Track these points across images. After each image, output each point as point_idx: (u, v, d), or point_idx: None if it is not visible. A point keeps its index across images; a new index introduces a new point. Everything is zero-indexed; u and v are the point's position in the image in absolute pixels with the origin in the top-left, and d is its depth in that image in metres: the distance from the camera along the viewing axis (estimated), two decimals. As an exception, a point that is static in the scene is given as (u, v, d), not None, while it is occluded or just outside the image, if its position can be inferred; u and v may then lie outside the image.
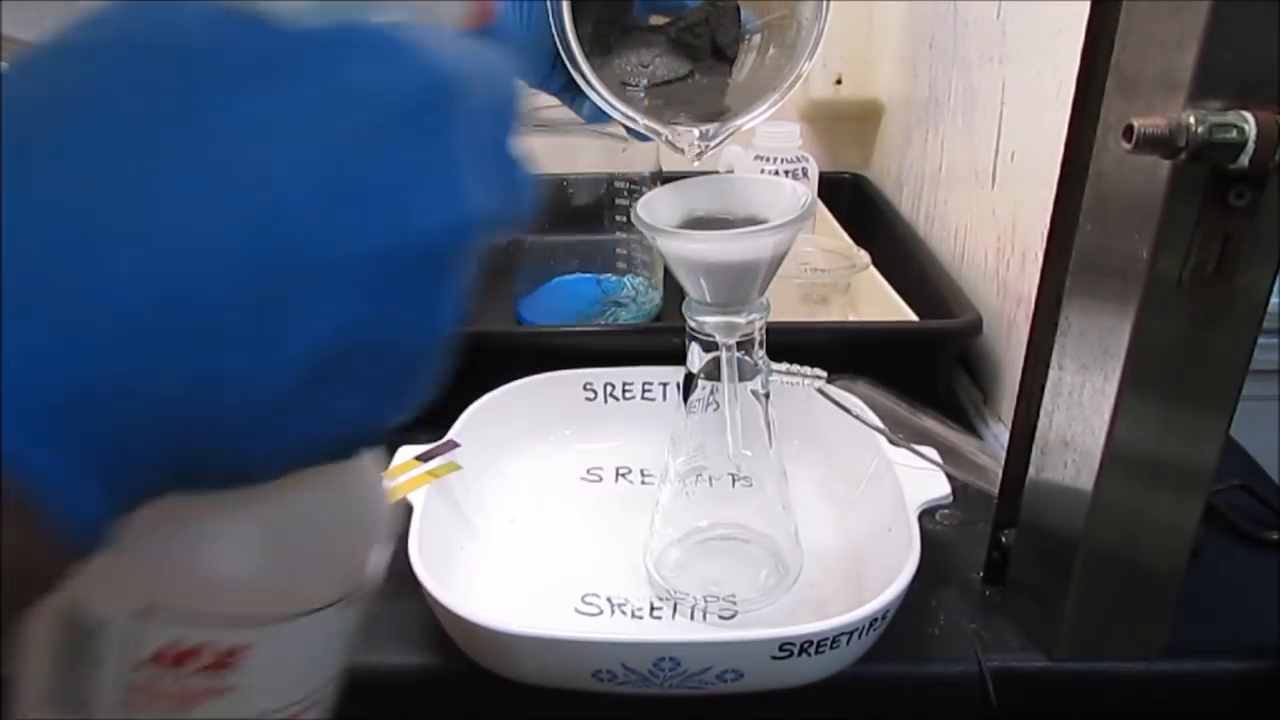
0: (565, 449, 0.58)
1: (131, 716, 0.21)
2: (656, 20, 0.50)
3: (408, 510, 0.46)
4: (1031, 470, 0.43)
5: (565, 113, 0.74)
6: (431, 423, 0.54)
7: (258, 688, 0.22)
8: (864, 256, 0.71)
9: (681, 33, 0.49)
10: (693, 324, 0.43)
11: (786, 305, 0.65)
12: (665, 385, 0.58)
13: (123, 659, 0.21)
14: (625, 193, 0.74)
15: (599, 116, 0.49)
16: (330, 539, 0.23)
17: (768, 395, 0.45)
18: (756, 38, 0.50)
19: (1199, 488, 0.39)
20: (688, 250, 0.40)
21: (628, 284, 0.76)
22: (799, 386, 0.49)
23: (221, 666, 0.21)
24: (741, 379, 0.44)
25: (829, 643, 0.39)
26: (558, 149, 0.74)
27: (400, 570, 0.43)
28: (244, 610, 0.21)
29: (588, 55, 0.45)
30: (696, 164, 0.48)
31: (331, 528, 0.23)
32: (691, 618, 0.46)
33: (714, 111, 0.47)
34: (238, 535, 0.21)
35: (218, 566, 0.21)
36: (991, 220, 0.66)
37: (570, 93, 0.49)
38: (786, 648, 0.38)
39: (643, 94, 0.49)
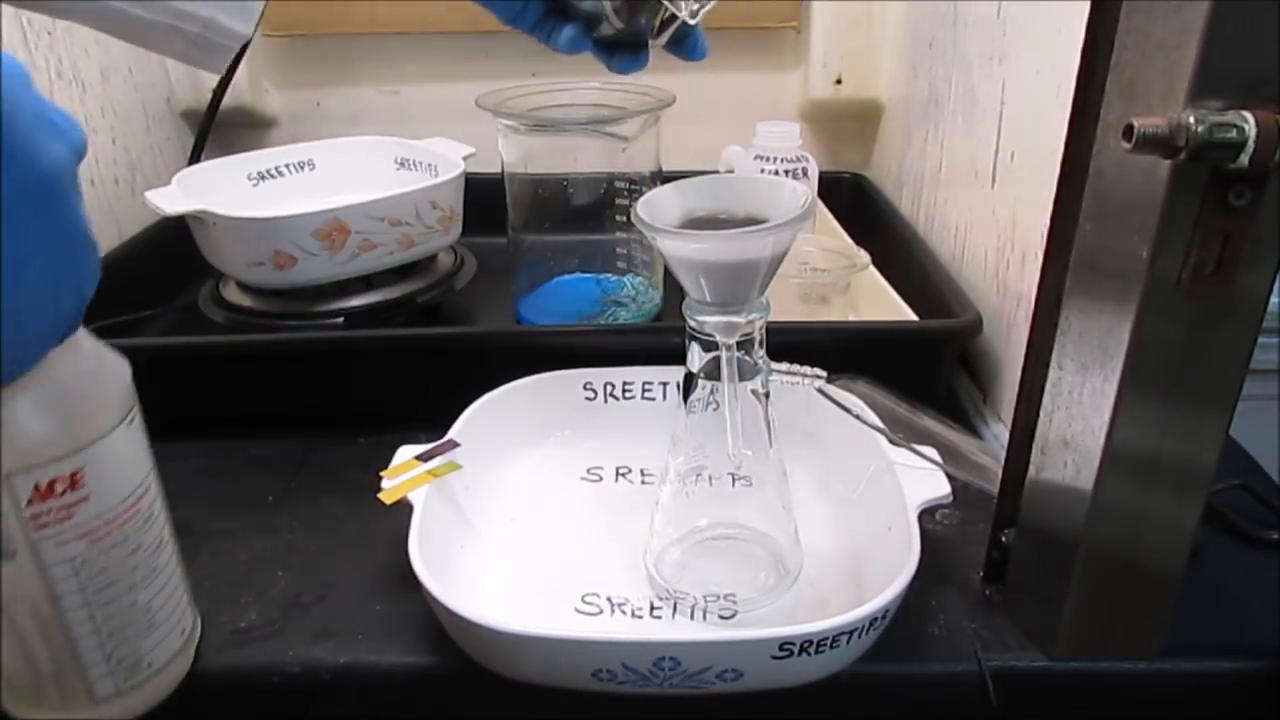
0: (565, 449, 0.58)
1: (39, 538, 0.35)
2: None
3: (408, 510, 0.46)
4: (1031, 470, 0.43)
5: (565, 113, 0.74)
6: (431, 423, 0.54)
7: (103, 490, 0.36)
8: (864, 256, 0.71)
9: None
10: (693, 324, 0.43)
11: (786, 305, 0.65)
12: (665, 385, 0.58)
13: (15, 506, 0.34)
14: (625, 192, 0.74)
15: (578, 44, 0.48)
16: (89, 384, 0.36)
17: (768, 395, 0.45)
18: None
19: (1199, 487, 0.39)
20: (688, 250, 0.40)
21: (628, 284, 0.76)
22: (799, 386, 0.49)
23: (75, 485, 0.35)
24: (741, 379, 0.44)
25: (829, 642, 0.39)
26: (558, 149, 0.74)
27: (400, 570, 0.43)
28: (65, 448, 0.34)
29: None
30: (694, 21, 0.46)
31: (85, 377, 0.35)
32: (691, 617, 0.46)
33: None
34: (32, 406, 0.33)
35: (31, 429, 0.33)
36: (991, 220, 0.66)
37: (544, 26, 0.49)
38: (786, 647, 0.38)
39: None
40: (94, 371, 0.36)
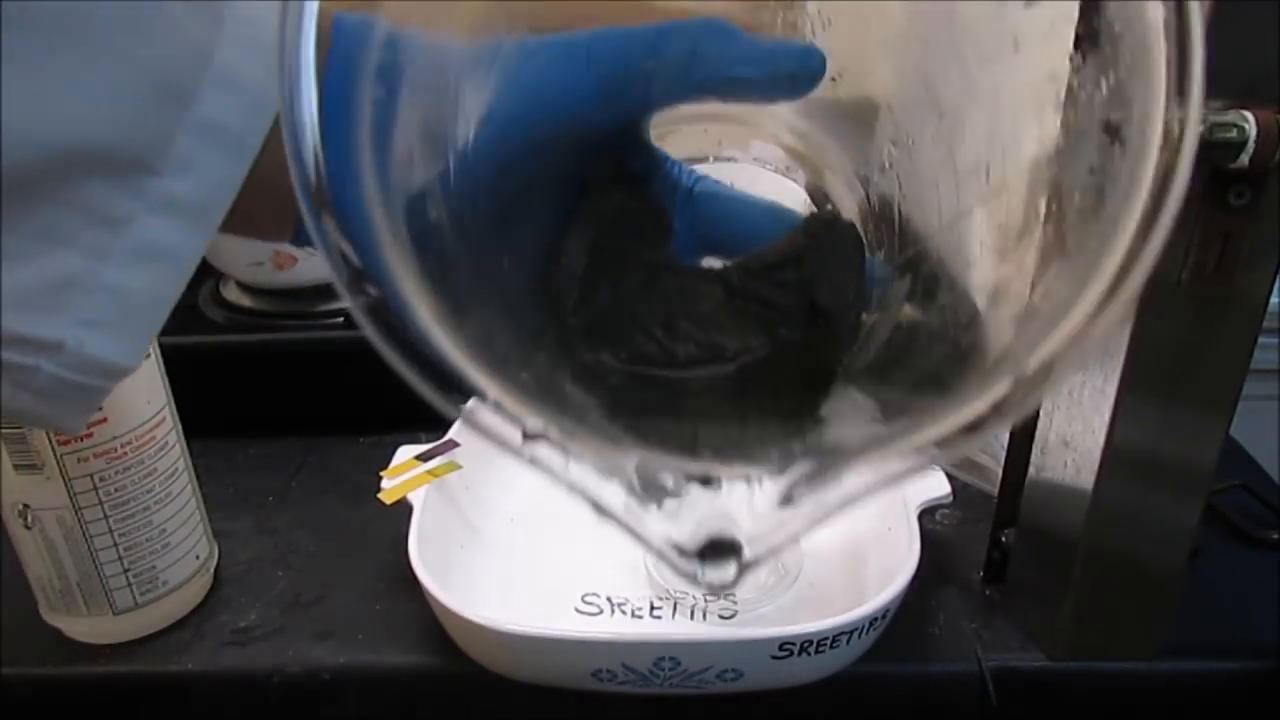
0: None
1: (63, 453, 0.40)
2: (711, 263, 0.30)
3: (408, 510, 0.46)
4: (1031, 470, 0.43)
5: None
6: (431, 423, 0.54)
7: (119, 414, 0.41)
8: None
9: (750, 280, 0.28)
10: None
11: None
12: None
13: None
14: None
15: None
16: None
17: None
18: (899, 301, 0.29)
19: (1199, 487, 0.39)
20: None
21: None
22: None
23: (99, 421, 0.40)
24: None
25: (829, 642, 0.39)
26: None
27: (400, 570, 0.43)
28: None
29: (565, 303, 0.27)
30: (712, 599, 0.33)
31: None
32: (691, 617, 0.46)
33: (802, 441, 0.25)
34: None
35: None
36: (991, 220, 0.66)
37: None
38: (786, 647, 0.38)
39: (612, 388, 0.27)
40: None
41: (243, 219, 0.27)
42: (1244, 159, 0.30)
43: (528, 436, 0.20)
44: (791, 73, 0.28)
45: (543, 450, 0.20)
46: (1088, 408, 0.38)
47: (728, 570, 0.21)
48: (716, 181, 0.32)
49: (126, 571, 0.43)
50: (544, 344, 0.27)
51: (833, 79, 0.30)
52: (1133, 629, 0.42)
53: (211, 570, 0.48)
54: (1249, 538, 0.50)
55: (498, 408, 0.19)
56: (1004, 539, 0.46)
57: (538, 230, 0.28)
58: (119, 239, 0.24)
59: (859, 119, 0.33)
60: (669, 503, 0.21)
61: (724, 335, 0.27)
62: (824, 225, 0.30)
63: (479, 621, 0.39)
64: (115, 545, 0.42)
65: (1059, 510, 0.41)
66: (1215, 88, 0.31)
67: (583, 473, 0.20)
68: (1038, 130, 0.23)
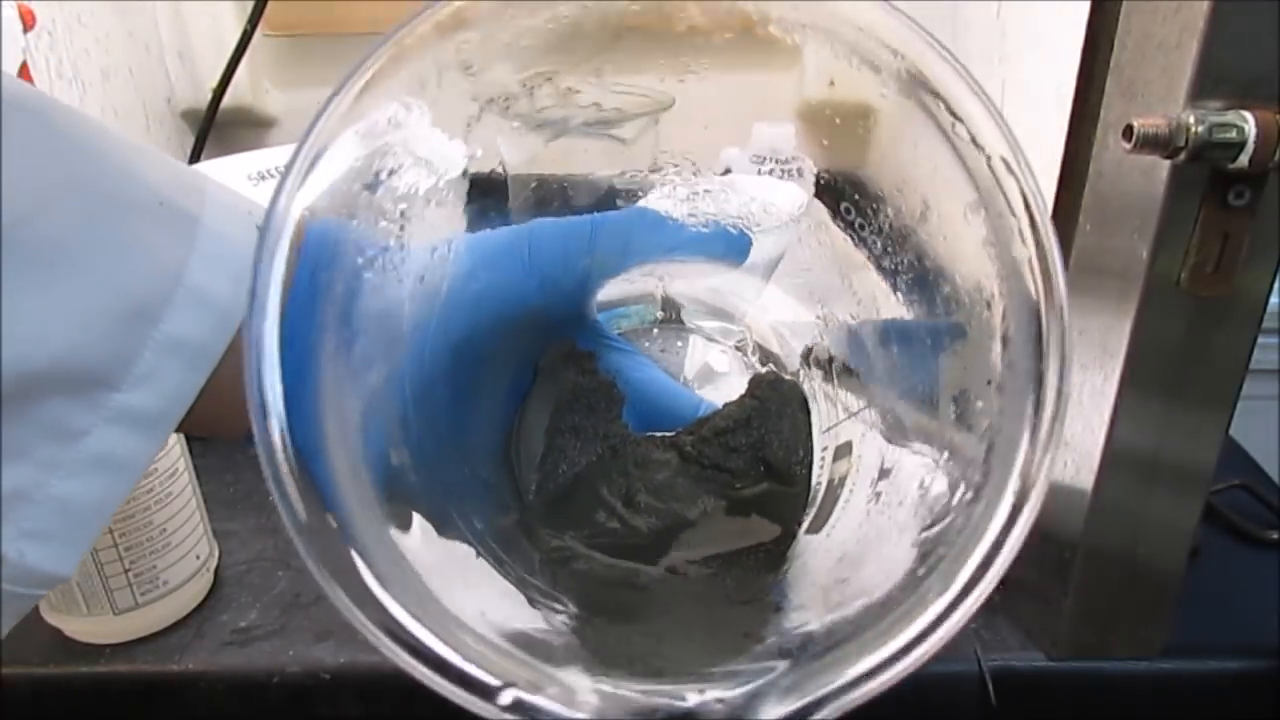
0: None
1: None
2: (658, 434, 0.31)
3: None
4: (1031, 470, 0.43)
5: (565, 111, 0.74)
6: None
7: None
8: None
9: (703, 446, 0.29)
10: (691, 326, 0.43)
11: (782, 304, 0.64)
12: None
13: None
14: (625, 195, 0.73)
15: None
16: None
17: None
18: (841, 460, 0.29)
19: (1199, 487, 0.39)
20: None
21: (627, 284, 0.76)
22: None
23: None
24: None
25: (829, 643, 0.39)
26: (558, 149, 0.74)
27: (400, 570, 0.43)
28: None
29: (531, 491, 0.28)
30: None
31: None
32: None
33: (758, 613, 0.25)
34: None
35: None
36: (991, 220, 0.66)
37: None
38: (786, 648, 0.38)
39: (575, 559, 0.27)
40: None
41: (207, 420, 0.27)
42: (1244, 159, 0.30)
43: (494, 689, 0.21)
44: (721, 254, 0.32)
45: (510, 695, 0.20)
46: (1088, 408, 0.38)
47: None
48: (644, 361, 0.33)
49: (127, 571, 0.43)
50: (510, 526, 0.27)
51: (830, 83, 0.31)
52: (1133, 629, 0.42)
53: (212, 570, 0.48)
54: (1249, 538, 0.50)
55: (461, 679, 0.21)
56: (1004, 539, 0.46)
57: (496, 410, 0.30)
58: (72, 451, 0.23)
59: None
60: None
61: (681, 503, 0.28)
62: (769, 386, 0.31)
63: (479, 622, 0.39)
64: (116, 545, 0.42)
65: (1059, 510, 0.41)
66: (1215, 88, 0.31)
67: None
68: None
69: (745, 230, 0.31)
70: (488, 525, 0.26)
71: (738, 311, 0.38)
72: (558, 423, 0.29)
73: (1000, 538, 0.20)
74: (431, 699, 0.21)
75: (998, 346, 0.22)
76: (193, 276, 0.25)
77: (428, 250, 0.27)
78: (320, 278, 0.21)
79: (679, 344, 0.36)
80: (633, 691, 0.20)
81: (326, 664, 0.43)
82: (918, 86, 0.24)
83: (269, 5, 0.87)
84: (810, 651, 0.21)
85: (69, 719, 0.45)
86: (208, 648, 0.44)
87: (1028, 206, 0.22)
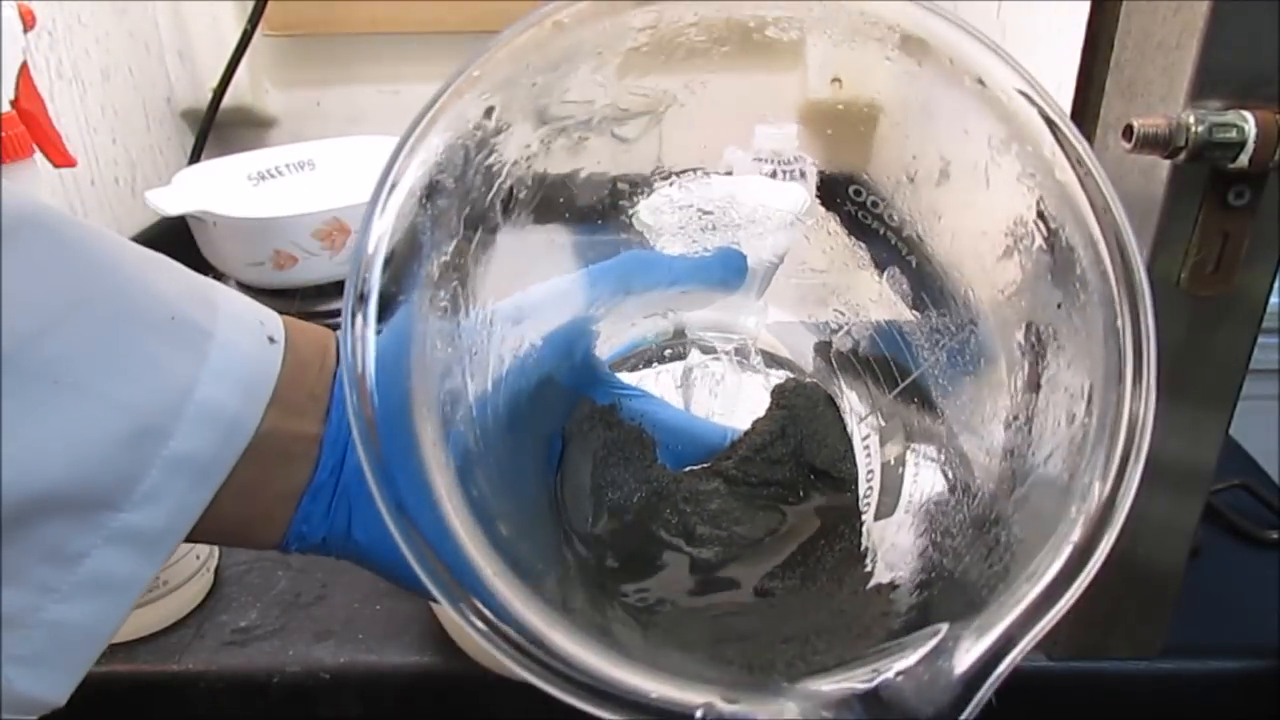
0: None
1: None
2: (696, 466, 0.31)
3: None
4: (1031, 470, 0.43)
5: (566, 109, 0.74)
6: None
7: None
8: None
9: (746, 466, 0.30)
10: (693, 337, 0.43)
11: (786, 305, 0.64)
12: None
13: None
14: (627, 194, 0.73)
15: None
16: None
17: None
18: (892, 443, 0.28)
19: (1199, 487, 0.39)
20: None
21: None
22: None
23: None
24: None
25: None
26: (558, 148, 0.74)
27: (400, 570, 0.43)
28: None
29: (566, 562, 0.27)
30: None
31: None
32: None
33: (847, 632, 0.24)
34: None
35: None
36: (991, 220, 0.66)
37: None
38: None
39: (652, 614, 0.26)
40: None
41: (238, 528, 0.27)
42: (1244, 159, 0.30)
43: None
44: (721, 278, 0.33)
45: None
46: (1088, 408, 0.38)
47: None
48: (662, 401, 0.34)
49: (127, 572, 0.43)
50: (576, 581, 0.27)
51: (835, 80, 0.32)
52: (1133, 629, 0.42)
53: (212, 570, 0.48)
54: (1249, 538, 0.50)
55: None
56: (1004, 539, 0.46)
57: (539, 479, 0.30)
58: (69, 575, 0.23)
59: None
60: None
61: (740, 525, 0.28)
62: (793, 393, 0.31)
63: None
64: (116, 545, 0.42)
65: (1059, 510, 0.41)
66: (1215, 88, 0.31)
67: None
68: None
69: (737, 248, 0.32)
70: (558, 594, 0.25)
71: (740, 317, 0.39)
72: (598, 480, 0.29)
73: (1127, 446, 0.22)
74: (432, 699, 0.21)
75: (1057, 265, 0.22)
76: (202, 391, 0.24)
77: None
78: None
79: (694, 375, 0.37)
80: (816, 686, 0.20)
81: (326, 664, 0.43)
82: (921, 48, 0.24)
83: (269, 5, 0.87)
84: (960, 605, 0.22)
85: (69, 718, 0.45)
86: (208, 647, 0.44)
87: (1060, 129, 0.23)
